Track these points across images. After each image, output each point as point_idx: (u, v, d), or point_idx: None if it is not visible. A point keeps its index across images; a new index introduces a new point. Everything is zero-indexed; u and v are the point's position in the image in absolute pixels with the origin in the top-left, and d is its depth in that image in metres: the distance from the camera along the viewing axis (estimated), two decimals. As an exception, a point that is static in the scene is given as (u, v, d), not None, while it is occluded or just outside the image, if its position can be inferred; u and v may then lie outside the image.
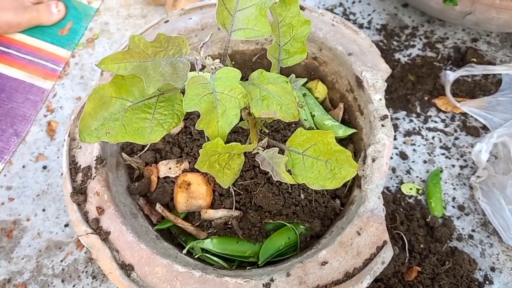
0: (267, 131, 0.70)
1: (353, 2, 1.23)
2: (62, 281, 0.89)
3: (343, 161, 0.60)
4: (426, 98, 1.07)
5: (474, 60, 1.09)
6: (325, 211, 0.75)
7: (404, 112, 1.06)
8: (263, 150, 0.62)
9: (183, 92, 0.53)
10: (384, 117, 0.72)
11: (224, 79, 0.54)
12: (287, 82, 0.57)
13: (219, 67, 0.55)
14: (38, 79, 1.11)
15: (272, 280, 0.62)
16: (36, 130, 1.05)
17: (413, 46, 1.15)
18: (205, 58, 0.55)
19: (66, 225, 0.95)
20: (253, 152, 0.62)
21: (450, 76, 1.04)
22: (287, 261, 0.69)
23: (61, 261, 0.91)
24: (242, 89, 0.53)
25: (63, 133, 1.05)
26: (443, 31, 1.17)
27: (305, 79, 0.67)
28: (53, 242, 0.93)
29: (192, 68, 0.54)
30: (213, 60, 0.56)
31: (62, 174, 0.72)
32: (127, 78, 0.56)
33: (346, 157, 0.60)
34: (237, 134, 0.80)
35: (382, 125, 0.72)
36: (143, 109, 0.56)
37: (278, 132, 0.80)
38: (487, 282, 0.87)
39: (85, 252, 0.92)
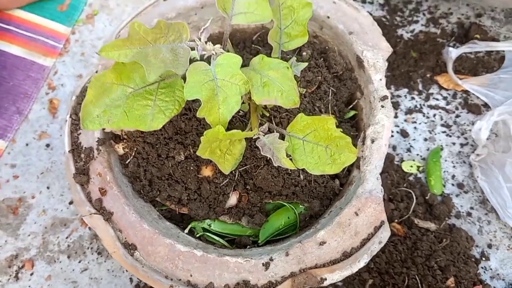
0: (267, 114, 0.70)
1: (356, -24, 1.21)
2: (68, 257, 0.91)
3: (343, 146, 0.61)
4: (428, 75, 1.07)
5: (478, 36, 1.08)
6: (324, 191, 0.76)
7: (406, 90, 1.06)
8: (263, 135, 0.62)
9: (183, 78, 0.53)
10: (384, 97, 0.72)
11: (225, 66, 0.54)
12: (288, 68, 0.57)
13: (220, 52, 0.55)
14: (39, 56, 1.10)
15: (271, 259, 0.64)
16: (38, 108, 1.06)
17: (417, 21, 1.13)
18: (206, 43, 0.55)
19: (71, 203, 0.96)
20: (254, 137, 0.63)
21: (453, 53, 1.02)
22: (286, 240, 0.71)
23: (67, 237, 0.93)
24: (243, 75, 0.53)
25: (65, 111, 1.05)
26: (447, 6, 1.15)
27: (306, 63, 0.67)
28: (58, 219, 0.95)
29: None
30: (213, 43, 0.55)
31: (65, 152, 0.73)
32: (128, 64, 0.56)
33: (345, 143, 0.61)
34: (235, 115, 0.80)
35: (382, 106, 0.72)
36: (144, 95, 0.56)
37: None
38: (483, 259, 0.88)
39: (90, 229, 0.93)
